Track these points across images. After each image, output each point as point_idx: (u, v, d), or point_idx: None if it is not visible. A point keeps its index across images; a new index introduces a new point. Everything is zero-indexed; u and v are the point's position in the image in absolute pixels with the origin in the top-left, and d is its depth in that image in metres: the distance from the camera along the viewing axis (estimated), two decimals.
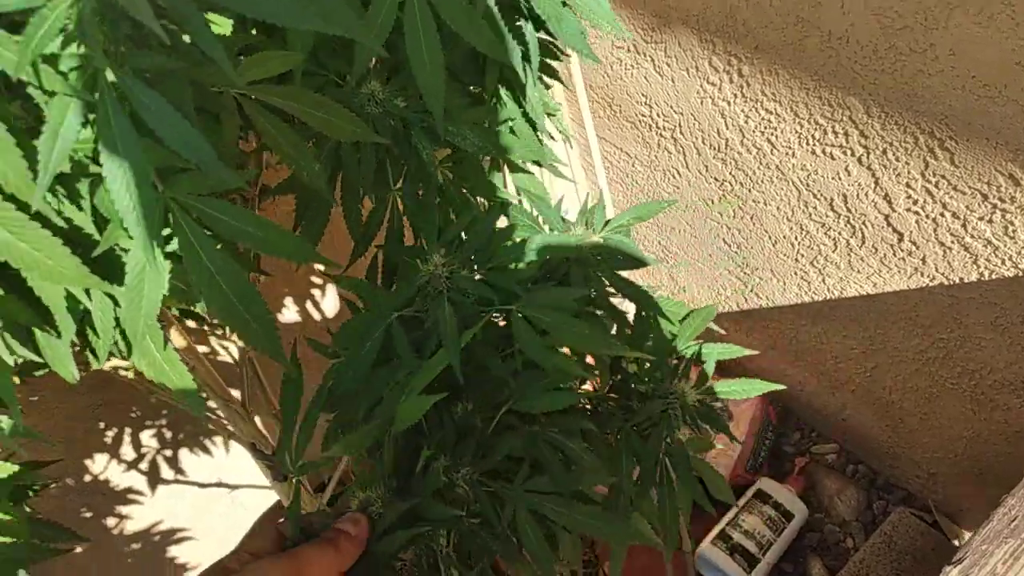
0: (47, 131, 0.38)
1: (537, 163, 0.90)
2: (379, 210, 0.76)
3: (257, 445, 1.05)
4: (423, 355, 0.69)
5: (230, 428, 1.07)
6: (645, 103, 1.47)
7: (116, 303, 0.54)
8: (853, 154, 1.20)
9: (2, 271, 0.51)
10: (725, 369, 1.60)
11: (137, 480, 1.53)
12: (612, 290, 0.79)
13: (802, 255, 1.42)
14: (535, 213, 0.83)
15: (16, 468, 0.78)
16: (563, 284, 0.79)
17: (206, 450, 1.61)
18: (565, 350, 0.73)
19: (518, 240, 0.83)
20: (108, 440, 1.46)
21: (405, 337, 0.69)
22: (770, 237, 1.46)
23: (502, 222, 0.79)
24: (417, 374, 0.66)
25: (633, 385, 0.79)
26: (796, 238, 1.40)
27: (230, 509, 1.72)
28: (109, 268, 0.47)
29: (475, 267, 0.74)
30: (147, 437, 1.52)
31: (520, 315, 0.69)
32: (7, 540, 0.69)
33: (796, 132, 1.25)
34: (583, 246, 0.78)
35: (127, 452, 1.50)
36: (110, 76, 0.39)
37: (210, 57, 0.44)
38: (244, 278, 0.48)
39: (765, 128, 1.29)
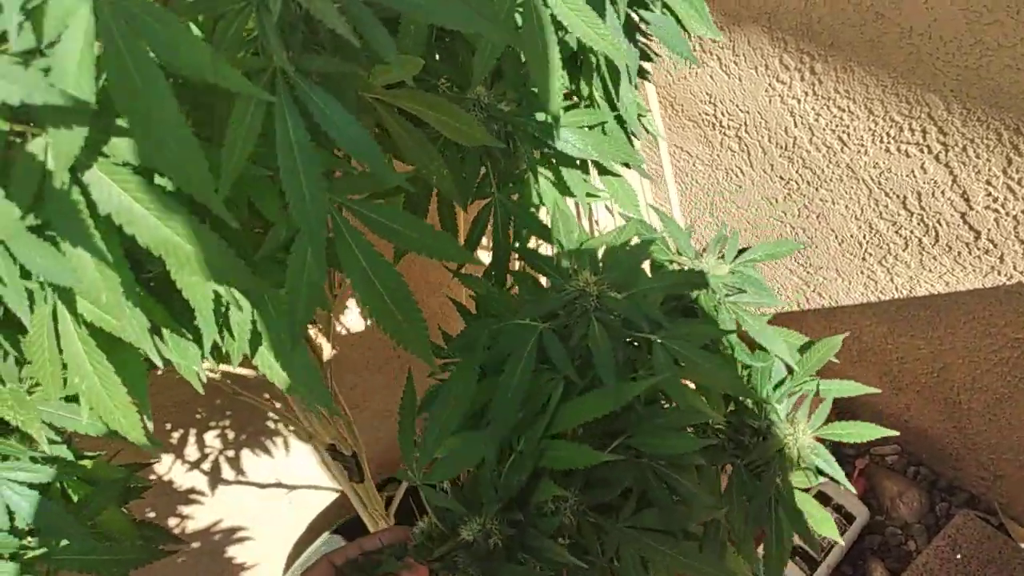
0: (231, 134, 0.38)
1: (625, 165, 0.89)
2: (484, 213, 0.76)
3: (338, 446, 1.06)
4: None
5: (308, 429, 1.07)
6: (709, 102, 1.46)
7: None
8: (930, 151, 1.18)
9: (140, 271, 0.51)
10: None
11: (199, 480, 1.54)
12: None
13: (870, 254, 1.41)
14: (663, 234, 0.83)
15: (124, 470, 0.79)
16: (688, 314, 0.79)
17: (267, 451, 1.62)
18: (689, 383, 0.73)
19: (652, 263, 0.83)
20: (173, 441, 1.47)
21: (562, 348, 0.68)
22: (836, 236, 1.44)
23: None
24: (572, 404, 0.66)
25: (748, 421, 0.78)
26: (864, 237, 1.39)
27: (288, 509, 1.73)
28: (264, 272, 0.47)
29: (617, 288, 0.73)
30: (211, 438, 1.52)
31: (661, 344, 0.68)
32: (115, 543, 0.70)
33: (870, 130, 1.24)
34: (716, 277, 0.78)
35: (191, 453, 1.50)
36: (285, 79, 0.39)
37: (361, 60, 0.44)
38: (398, 278, 0.48)
39: (837, 126, 1.28)
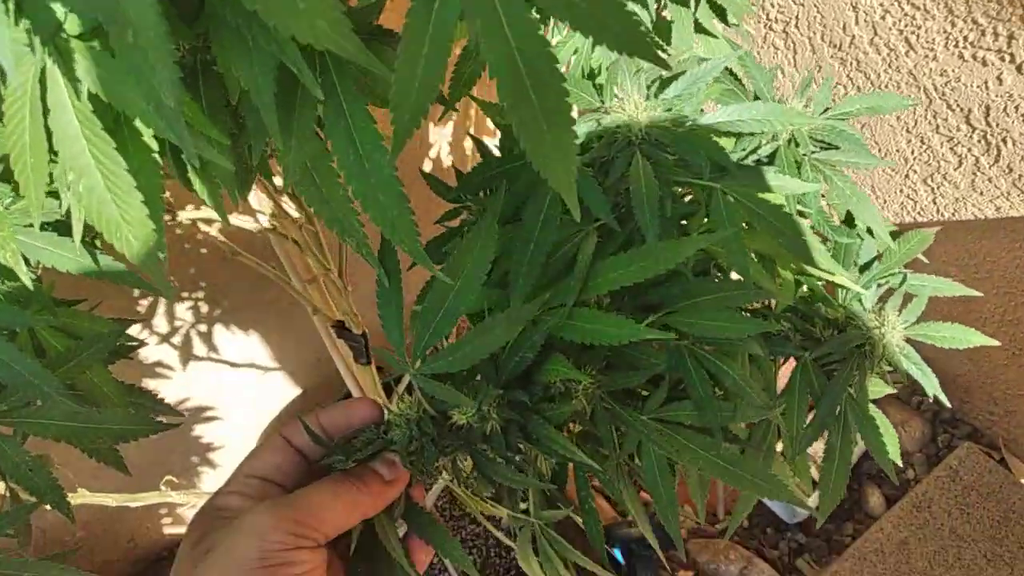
0: None
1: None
2: None
3: (347, 323, 0.94)
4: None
5: (316, 303, 0.96)
6: None
7: None
8: (1013, 60, 1.08)
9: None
10: None
11: (168, 354, 1.42)
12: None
13: (915, 171, 1.31)
14: (739, 73, 0.71)
15: (111, 322, 0.67)
16: (756, 174, 0.67)
17: (243, 328, 1.50)
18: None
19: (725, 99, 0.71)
20: (141, 309, 1.34)
21: (596, 187, 0.55)
22: (880, 149, 1.34)
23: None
24: (603, 265, 0.54)
25: (824, 309, 0.68)
26: (913, 152, 1.29)
27: (259, 393, 1.63)
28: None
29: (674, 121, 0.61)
30: (182, 310, 1.40)
31: (724, 195, 0.57)
32: (102, 409, 0.58)
33: (944, 32, 1.13)
34: (800, 124, 0.66)
35: (160, 324, 1.38)
36: None
37: None
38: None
39: (906, 26, 1.16)
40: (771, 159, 0.67)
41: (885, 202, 1.41)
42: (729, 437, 0.58)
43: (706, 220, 0.60)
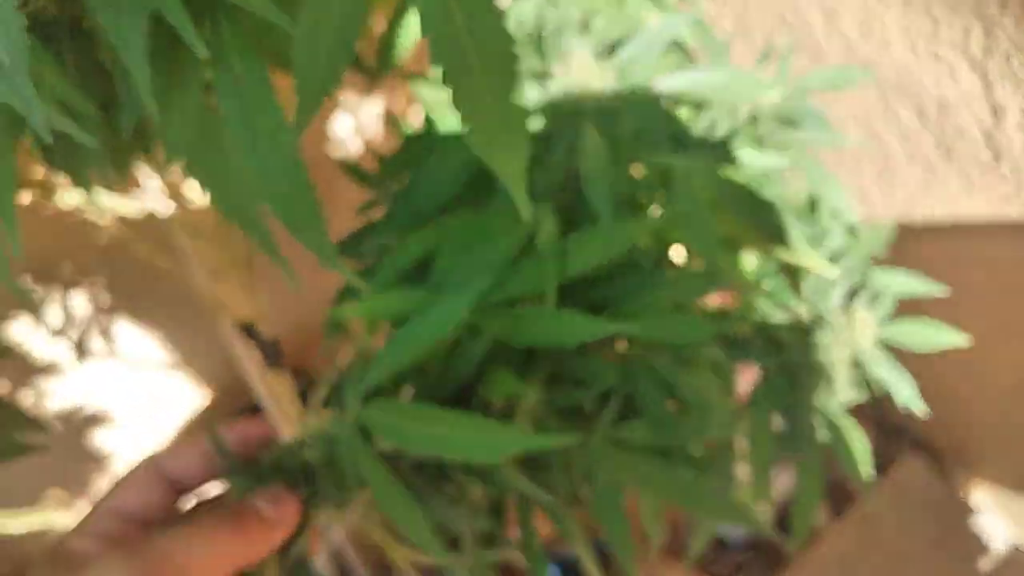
0: None
1: None
2: None
3: (256, 326, 0.84)
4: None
5: (225, 302, 0.85)
6: None
7: None
8: (966, 54, 1.03)
9: None
10: None
11: (62, 352, 1.29)
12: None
13: (866, 169, 1.26)
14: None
15: None
16: (719, 150, 0.59)
17: (147, 325, 1.37)
18: None
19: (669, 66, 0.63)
20: (33, 301, 1.21)
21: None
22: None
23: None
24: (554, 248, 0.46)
25: (790, 306, 0.60)
26: (864, 148, 1.24)
27: (164, 396, 1.50)
28: None
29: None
30: (80, 303, 1.27)
31: (687, 173, 0.50)
32: None
33: (900, 23, 1.07)
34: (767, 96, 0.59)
35: (54, 317, 1.25)
36: None
37: None
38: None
39: (863, 16, 1.11)
40: (728, 139, 0.60)
41: None
42: (684, 457, 0.51)
43: (663, 202, 0.53)
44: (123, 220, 0.96)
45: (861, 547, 1.38)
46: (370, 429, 0.44)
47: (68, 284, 1.22)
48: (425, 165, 0.50)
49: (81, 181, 0.40)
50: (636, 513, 0.67)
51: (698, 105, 0.59)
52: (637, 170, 0.54)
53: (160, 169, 0.79)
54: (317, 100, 0.30)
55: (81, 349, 1.31)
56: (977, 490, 1.46)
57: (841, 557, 1.37)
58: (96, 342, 1.32)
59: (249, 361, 0.96)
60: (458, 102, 0.28)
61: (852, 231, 0.62)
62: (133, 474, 0.44)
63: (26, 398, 1.28)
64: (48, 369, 1.28)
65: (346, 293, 0.59)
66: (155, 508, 0.43)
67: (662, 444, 0.49)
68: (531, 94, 0.54)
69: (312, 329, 1.64)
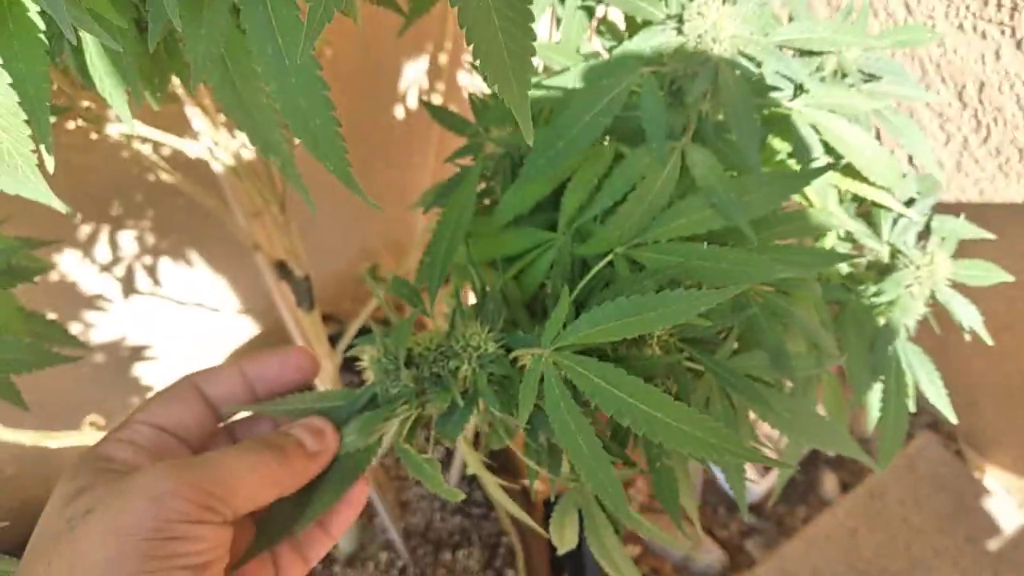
0: None
1: None
2: None
3: (289, 264, 0.88)
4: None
5: (254, 238, 0.89)
6: None
7: None
8: (1013, 35, 1.03)
9: None
10: None
11: (109, 286, 1.35)
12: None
13: (899, 150, 1.27)
14: None
15: (11, 239, 0.60)
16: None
17: (189, 263, 1.43)
18: None
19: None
20: (82, 238, 1.27)
21: (662, 104, 0.50)
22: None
23: None
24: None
25: (870, 243, 0.63)
26: None
27: (205, 335, 1.56)
28: None
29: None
30: (126, 240, 1.33)
31: (802, 114, 0.53)
32: (15, 341, 0.52)
33: (946, 1, 1.07)
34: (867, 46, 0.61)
35: (102, 254, 1.31)
36: None
37: None
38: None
39: None
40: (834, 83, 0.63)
41: None
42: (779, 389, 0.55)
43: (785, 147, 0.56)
44: (169, 161, 1.01)
45: (870, 522, 1.40)
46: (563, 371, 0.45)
47: (116, 222, 1.28)
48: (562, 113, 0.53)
49: (117, 99, 0.42)
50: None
51: (804, 54, 0.61)
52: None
53: (206, 108, 0.83)
54: (328, 12, 0.31)
55: (127, 285, 1.37)
56: (990, 472, 1.47)
57: (849, 530, 1.39)
58: (141, 279, 1.38)
59: (282, 300, 1.01)
60: (470, 28, 0.30)
61: (923, 179, 0.66)
62: (171, 390, 0.45)
63: (73, 326, 1.34)
64: (94, 302, 1.34)
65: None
66: (191, 428, 0.44)
67: (781, 377, 0.52)
68: (666, 37, 0.55)
69: (344, 278, 1.69)
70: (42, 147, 0.38)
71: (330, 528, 0.47)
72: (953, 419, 0.63)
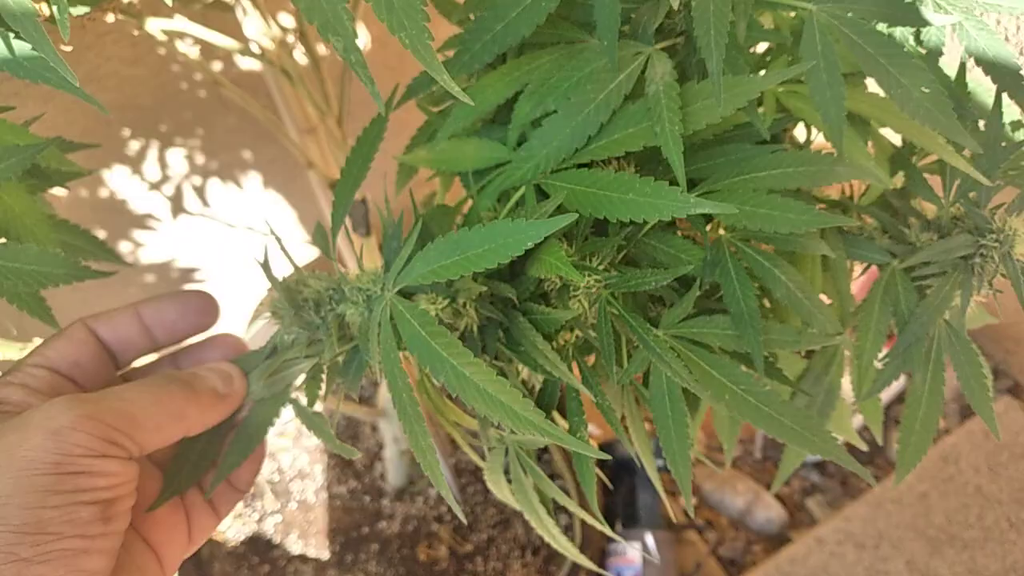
0: None
1: None
2: None
3: None
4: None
5: (313, 157, 0.84)
6: None
7: None
8: None
9: None
10: None
11: (159, 205, 1.31)
12: None
13: None
14: None
15: (36, 137, 0.54)
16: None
17: (239, 185, 1.38)
18: None
19: None
20: (131, 153, 1.23)
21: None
22: None
23: None
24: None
25: (921, 203, 0.53)
26: None
27: (256, 251, 1.52)
28: None
29: None
30: (176, 157, 1.28)
31: (824, 23, 0.42)
32: (26, 246, 0.46)
33: None
34: None
35: (151, 171, 1.27)
36: None
37: None
38: None
39: None
40: None
41: None
42: (773, 370, 0.46)
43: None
44: (220, 72, 0.95)
45: (941, 487, 1.33)
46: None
47: (165, 139, 1.23)
48: None
49: None
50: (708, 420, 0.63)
51: None
52: (767, 20, 0.48)
53: (261, 6, 0.77)
54: None
55: (176, 204, 1.33)
56: None
57: (919, 495, 1.32)
58: (190, 199, 1.34)
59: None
60: None
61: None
62: (63, 332, 0.43)
63: (122, 245, 1.32)
64: (143, 221, 1.31)
65: (419, 137, 0.56)
66: (88, 371, 0.42)
67: (744, 349, 0.44)
68: None
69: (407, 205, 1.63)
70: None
71: (236, 483, 0.47)
72: (999, 436, 0.53)
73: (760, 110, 0.46)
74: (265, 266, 0.45)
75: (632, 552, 1.38)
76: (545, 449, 1.35)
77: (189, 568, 1.31)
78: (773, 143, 0.43)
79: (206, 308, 0.45)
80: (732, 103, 0.38)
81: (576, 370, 0.45)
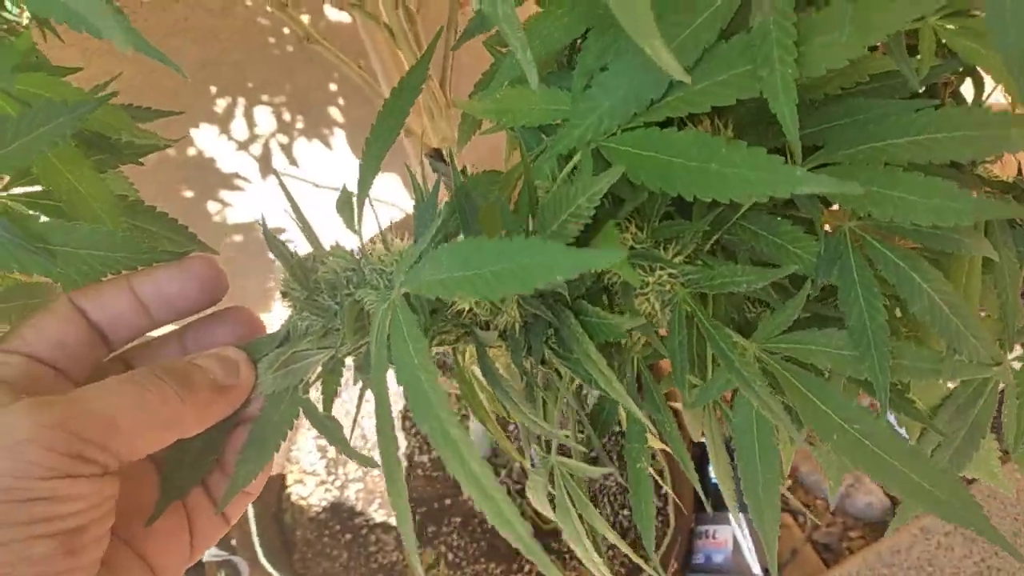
0: None
1: None
2: None
3: (445, 153, 0.77)
4: None
5: (409, 123, 0.78)
6: None
7: None
8: None
9: None
10: None
11: (246, 165, 1.30)
12: None
13: None
14: None
15: (87, 95, 0.48)
16: None
17: (327, 144, 1.35)
18: None
19: None
20: (219, 111, 1.21)
21: None
22: None
23: None
24: None
25: None
26: None
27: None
28: None
29: None
30: (264, 115, 1.26)
31: None
32: (76, 224, 0.41)
33: None
34: None
35: (238, 130, 1.25)
36: None
37: None
38: None
39: None
40: None
41: None
42: (901, 401, 0.38)
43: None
44: (310, 29, 0.90)
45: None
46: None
47: (252, 96, 1.21)
48: None
49: None
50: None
51: None
52: None
53: None
54: None
55: (264, 164, 1.31)
56: None
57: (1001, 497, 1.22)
58: (278, 158, 1.32)
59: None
60: None
61: None
62: (45, 311, 0.35)
63: (210, 205, 1.31)
64: (231, 180, 1.29)
65: (484, 82, 0.47)
66: (74, 357, 0.35)
67: (863, 376, 0.34)
68: None
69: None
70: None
71: (248, 486, 0.39)
72: None
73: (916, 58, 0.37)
74: (268, 236, 0.38)
75: (722, 534, 1.31)
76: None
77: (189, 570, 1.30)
78: (926, 99, 0.34)
79: (211, 280, 0.38)
80: (864, 38, 0.29)
81: (641, 380, 0.38)
